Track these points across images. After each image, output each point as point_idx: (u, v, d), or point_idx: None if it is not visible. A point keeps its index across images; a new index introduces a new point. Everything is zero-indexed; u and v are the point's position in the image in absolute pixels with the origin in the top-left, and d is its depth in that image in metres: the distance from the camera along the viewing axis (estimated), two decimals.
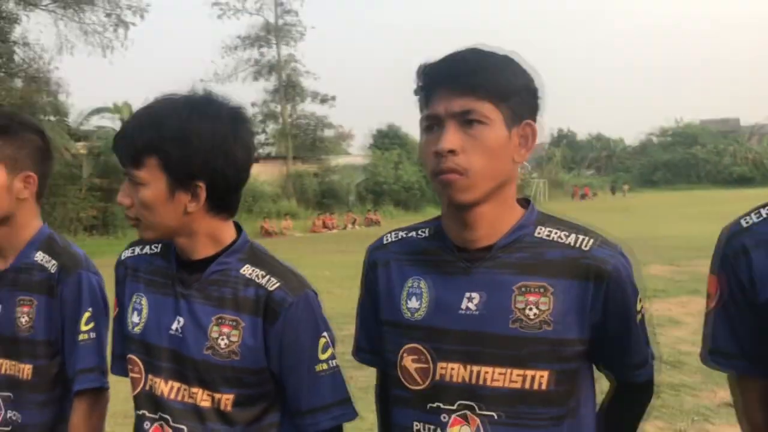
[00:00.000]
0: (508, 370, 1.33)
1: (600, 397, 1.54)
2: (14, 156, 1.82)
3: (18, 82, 23.28)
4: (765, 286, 1.27)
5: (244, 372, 1.49)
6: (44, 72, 23.33)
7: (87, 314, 1.84)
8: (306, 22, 50.01)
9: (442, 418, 1.37)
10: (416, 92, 1.39)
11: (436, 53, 1.38)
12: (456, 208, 1.36)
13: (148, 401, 1.55)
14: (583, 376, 1.41)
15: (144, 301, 1.58)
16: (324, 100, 42.56)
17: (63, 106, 26.18)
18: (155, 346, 1.54)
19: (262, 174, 36.88)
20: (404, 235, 1.53)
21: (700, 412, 4.84)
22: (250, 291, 1.50)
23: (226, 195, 1.51)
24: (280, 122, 42.69)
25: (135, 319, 1.59)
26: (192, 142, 1.42)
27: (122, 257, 1.69)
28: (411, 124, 42.04)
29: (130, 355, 1.60)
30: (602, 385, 1.53)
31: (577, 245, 1.36)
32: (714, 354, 1.40)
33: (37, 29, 44.56)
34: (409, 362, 1.41)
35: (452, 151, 1.29)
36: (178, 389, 1.51)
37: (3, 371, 1.86)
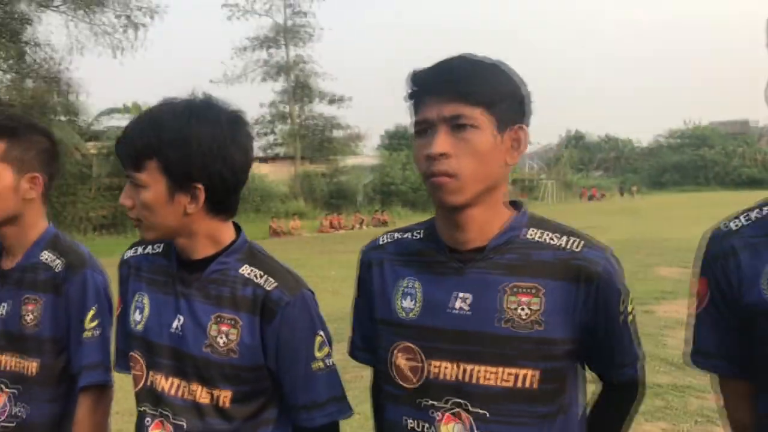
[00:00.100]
0: (498, 369, 1.36)
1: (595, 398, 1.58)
2: (21, 157, 1.87)
3: (29, 83, 23.41)
4: (751, 288, 1.29)
5: (242, 369, 1.53)
6: (55, 72, 23.44)
7: (91, 312, 1.89)
8: (319, 23, 50.20)
9: (433, 415, 1.40)
10: (408, 98, 1.43)
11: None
12: (447, 210, 1.40)
13: (149, 397, 1.59)
14: (572, 376, 1.44)
15: (146, 300, 1.63)
16: (333, 101, 42.64)
17: (74, 106, 26.28)
18: (156, 343, 1.58)
19: (271, 174, 37.00)
20: (399, 236, 1.57)
21: (704, 413, 4.82)
22: (248, 290, 1.54)
23: (224, 197, 1.55)
24: (290, 123, 42.77)
25: (137, 317, 1.63)
26: (191, 146, 1.46)
27: (125, 257, 1.73)
28: None
29: (132, 352, 1.64)
30: (595, 385, 1.57)
31: (568, 247, 1.40)
32: (696, 354, 1.43)
33: (48, 30, 44.72)
34: (401, 360, 1.45)
35: (443, 155, 1.33)
36: (178, 386, 1.55)
37: (10, 367, 1.91)
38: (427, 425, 1.41)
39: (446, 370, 1.39)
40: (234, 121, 1.54)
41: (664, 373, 5.69)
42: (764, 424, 1.33)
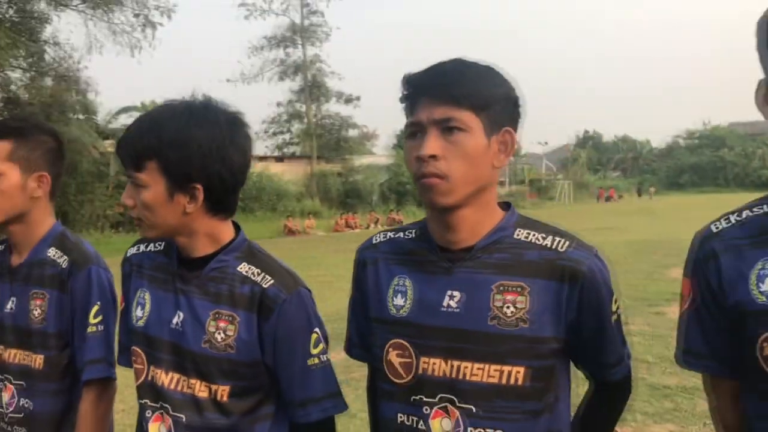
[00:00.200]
0: (487, 366, 1.39)
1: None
2: (28, 157, 1.92)
3: (48, 81, 23.64)
4: (733, 290, 1.31)
5: (240, 365, 1.56)
6: (73, 71, 23.64)
7: (96, 308, 1.93)
8: (332, 22, 50.24)
9: (424, 410, 1.43)
10: (401, 100, 1.46)
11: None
12: (437, 211, 1.44)
13: (150, 391, 1.62)
14: (560, 374, 1.47)
15: (147, 296, 1.66)
16: (348, 101, 42.75)
17: (92, 104, 26.51)
18: (157, 338, 1.62)
19: (286, 173, 37.14)
20: (392, 236, 1.60)
21: None
22: (245, 288, 1.57)
23: (223, 197, 1.58)
24: (305, 122, 42.90)
25: (138, 313, 1.66)
26: (190, 147, 1.49)
27: (128, 254, 1.77)
28: None
29: (133, 347, 1.68)
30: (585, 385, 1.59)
31: (554, 247, 1.43)
32: (687, 354, 1.44)
33: (67, 29, 45.23)
34: (394, 357, 1.48)
35: (433, 157, 1.36)
36: (178, 380, 1.59)
37: (16, 361, 1.96)
38: (418, 420, 1.44)
39: (437, 366, 1.43)
40: (232, 122, 1.57)
41: (672, 374, 5.66)
42: (752, 424, 1.34)
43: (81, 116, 25.69)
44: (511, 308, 1.39)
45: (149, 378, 1.63)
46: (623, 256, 13.82)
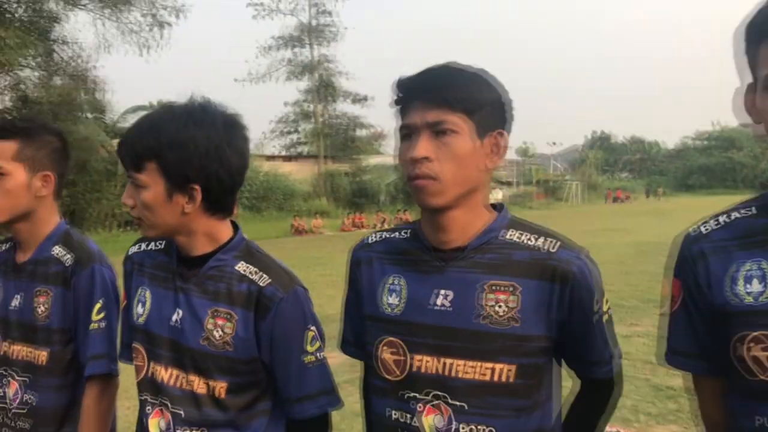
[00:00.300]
0: (477, 363, 1.42)
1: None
2: (33, 156, 1.97)
3: (58, 80, 23.77)
4: (720, 290, 1.33)
5: (237, 362, 1.59)
6: (83, 70, 23.76)
7: (98, 305, 1.98)
8: (343, 22, 50.29)
9: (415, 407, 1.46)
10: (395, 103, 1.49)
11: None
12: (429, 211, 1.47)
13: (150, 387, 1.66)
14: (549, 372, 1.50)
15: (148, 294, 1.70)
16: (357, 100, 42.74)
17: (101, 103, 26.62)
18: (157, 335, 1.65)
19: (295, 172, 37.20)
20: (386, 236, 1.64)
21: None
22: (243, 286, 1.60)
23: (221, 197, 1.61)
24: (314, 122, 42.97)
25: (139, 310, 1.70)
26: (188, 149, 1.52)
27: (129, 253, 1.80)
28: None
29: (134, 344, 1.71)
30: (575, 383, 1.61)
31: (544, 248, 1.46)
32: (674, 354, 1.46)
33: (76, 28, 45.38)
34: (386, 354, 1.51)
35: (425, 158, 1.39)
36: (177, 376, 1.62)
37: (21, 356, 2.00)
38: (409, 416, 1.47)
39: (428, 363, 1.46)
40: (230, 124, 1.61)
41: (676, 375, 5.65)
42: (734, 422, 1.37)
43: (91, 115, 25.84)
44: (503, 307, 1.42)
45: (149, 374, 1.66)
46: (630, 257, 13.79)
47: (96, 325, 1.97)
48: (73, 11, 22.98)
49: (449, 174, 1.40)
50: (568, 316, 1.44)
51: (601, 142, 77.65)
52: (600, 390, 1.60)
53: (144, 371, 1.67)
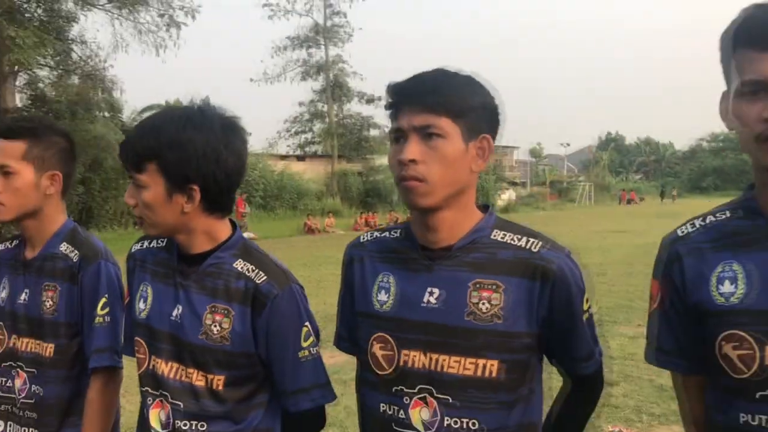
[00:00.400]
0: (463, 359, 1.48)
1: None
2: (41, 156, 2.04)
3: (74, 79, 23.99)
4: (695, 291, 1.39)
5: (234, 356, 1.65)
6: (99, 70, 23.95)
7: (103, 300, 2.05)
8: (355, 22, 50.26)
9: (404, 400, 1.52)
10: (386, 108, 1.55)
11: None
12: (418, 212, 1.53)
13: (150, 379, 1.72)
14: (533, 368, 1.55)
15: (149, 290, 1.76)
16: (370, 101, 42.79)
17: (117, 102, 26.81)
18: (158, 330, 1.71)
19: (307, 172, 37.29)
20: (378, 235, 1.70)
21: None
22: (240, 283, 1.66)
23: (219, 197, 1.67)
24: (327, 121, 43.06)
25: (141, 305, 1.76)
26: (187, 150, 1.58)
27: (132, 250, 1.87)
28: None
29: (136, 338, 1.78)
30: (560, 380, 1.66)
31: (528, 247, 1.51)
32: (658, 352, 1.51)
33: (93, 28, 45.79)
34: (377, 350, 1.57)
35: (413, 161, 1.45)
36: (177, 369, 1.68)
37: (28, 349, 2.07)
38: (399, 410, 1.53)
39: (417, 359, 1.51)
40: (228, 127, 1.66)
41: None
42: (711, 416, 1.43)
43: (106, 114, 26.02)
44: (486, 305, 1.47)
45: (150, 367, 1.72)
46: (638, 258, 13.72)
47: (101, 319, 2.03)
48: (90, 11, 23.17)
49: (437, 176, 1.45)
50: (551, 314, 1.49)
51: (614, 144, 77.17)
52: (589, 386, 1.65)
53: (145, 364, 1.73)
